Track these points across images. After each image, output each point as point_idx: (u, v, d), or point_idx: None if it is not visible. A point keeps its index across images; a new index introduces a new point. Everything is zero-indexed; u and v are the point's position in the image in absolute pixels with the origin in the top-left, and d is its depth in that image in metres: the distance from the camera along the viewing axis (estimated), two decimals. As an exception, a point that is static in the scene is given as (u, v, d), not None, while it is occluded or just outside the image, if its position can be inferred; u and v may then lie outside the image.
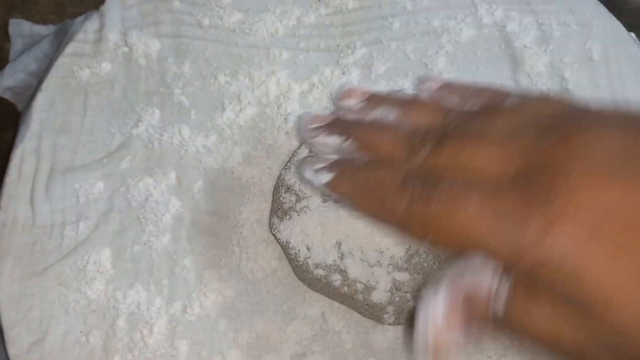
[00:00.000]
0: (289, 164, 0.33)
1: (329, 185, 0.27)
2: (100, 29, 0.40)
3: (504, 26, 0.40)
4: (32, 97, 0.39)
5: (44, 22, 0.51)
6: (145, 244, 0.34)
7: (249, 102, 0.38)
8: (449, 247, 0.24)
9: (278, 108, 0.38)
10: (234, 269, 0.34)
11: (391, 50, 0.39)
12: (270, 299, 0.33)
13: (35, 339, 0.32)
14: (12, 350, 0.32)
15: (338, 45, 0.40)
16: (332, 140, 0.29)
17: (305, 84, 0.38)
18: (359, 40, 0.40)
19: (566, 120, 0.23)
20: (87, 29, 0.40)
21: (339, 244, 0.31)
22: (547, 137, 0.22)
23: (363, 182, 0.26)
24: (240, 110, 0.37)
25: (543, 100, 0.26)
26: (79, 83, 0.39)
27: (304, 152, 0.33)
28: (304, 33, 0.40)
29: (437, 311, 0.22)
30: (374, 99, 0.30)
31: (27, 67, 0.45)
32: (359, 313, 0.33)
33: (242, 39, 0.40)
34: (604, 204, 0.20)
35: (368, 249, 0.31)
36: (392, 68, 0.39)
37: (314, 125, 0.29)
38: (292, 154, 0.34)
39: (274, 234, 0.33)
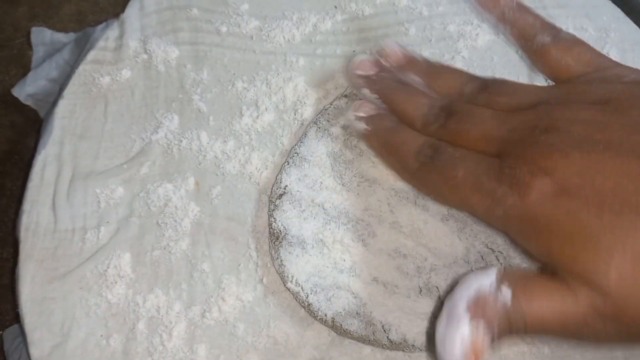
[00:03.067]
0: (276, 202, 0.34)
1: (364, 135, 0.34)
2: (121, 36, 0.41)
3: (520, 31, 0.40)
4: (54, 103, 0.40)
5: (65, 30, 0.52)
6: (164, 248, 0.35)
7: (266, 108, 0.38)
8: (445, 203, 0.32)
9: (295, 114, 0.38)
10: (252, 274, 0.34)
11: (407, 56, 0.40)
12: (288, 304, 0.33)
13: (56, 342, 0.33)
14: (34, 352, 0.33)
15: (354, 51, 0.40)
16: (370, 95, 0.34)
17: (322, 91, 0.39)
18: (376, 46, 0.40)
19: (544, 103, 0.28)
20: (107, 36, 0.41)
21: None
22: (526, 116, 0.28)
23: (389, 142, 0.32)
24: (258, 117, 0.38)
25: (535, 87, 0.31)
26: (100, 90, 0.40)
27: (289, 179, 0.34)
28: (321, 39, 0.41)
29: (460, 324, 0.24)
30: (410, 62, 0.34)
31: (48, 74, 0.46)
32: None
33: (260, 45, 0.40)
34: (557, 176, 0.25)
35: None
36: (408, 74, 0.39)
37: (359, 72, 0.34)
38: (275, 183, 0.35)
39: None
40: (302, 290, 0.32)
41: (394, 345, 0.31)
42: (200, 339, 0.33)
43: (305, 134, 0.36)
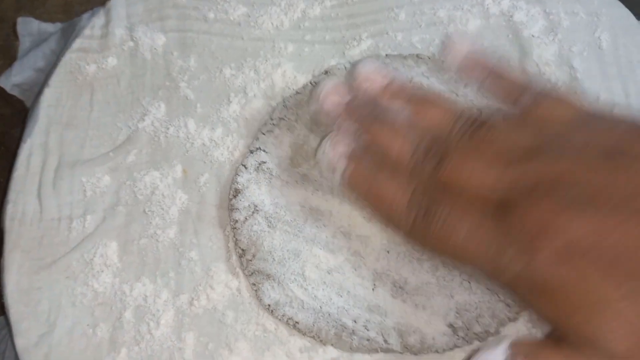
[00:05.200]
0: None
1: (345, 180, 0.30)
2: (107, 24, 0.40)
3: (511, 16, 0.40)
4: (40, 92, 0.39)
5: (52, 21, 0.51)
6: (151, 236, 0.34)
7: (254, 95, 0.38)
8: (446, 260, 0.29)
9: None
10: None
11: (397, 41, 0.39)
12: (277, 291, 0.33)
13: (43, 332, 0.32)
14: (20, 343, 0.32)
15: (343, 37, 0.40)
16: (348, 126, 0.30)
17: (311, 77, 0.38)
18: (365, 31, 0.40)
19: (544, 153, 0.26)
20: (93, 24, 0.41)
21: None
22: (529, 166, 0.25)
23: (374, 193, 0.29)
24: (246, 103, 0.37)
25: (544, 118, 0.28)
26: (86, 78, 0.39)
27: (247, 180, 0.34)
28: (309, 25, 0.40)
29: None
30: (391, 89, 0.31)
31: (34, 64, 0.46)
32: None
33: (248, 32, 0.40)
34: (565, 238, 0.23)
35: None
36: (398, 59, 0.39)
37: (332, 101, 0.30)
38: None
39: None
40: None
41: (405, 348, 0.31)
42: (188, 327, 0.32)
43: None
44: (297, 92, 0.36)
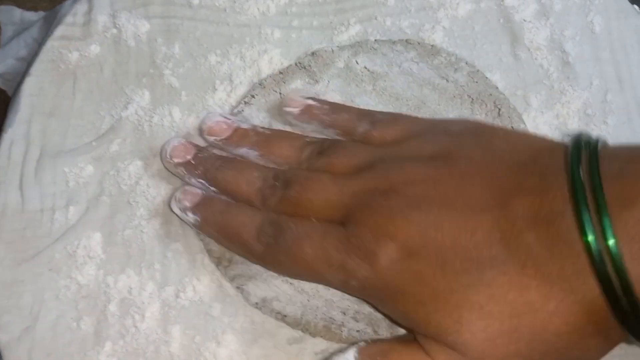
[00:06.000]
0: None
1: (197, 227, 0.32)
2: (89, 11, 0.39)
3: (502, 0, 0.39)
4: (21, 81, 0.38)
5: (35, 9, 0.50)
6: (136, 227, 0.34)
7: (240, 82, 0.37)
8: (301, 279, 0.30)
9: (271, 88, 0.37)
10: (227, 252, 0.33)
11: (386, 26, 0.38)
12: (265, 282, 0.33)
13: (25, 326, 0.32)
14: (3, 337, 0.32)
15: (331, 22, 0.39)
16: (195, 182, 0.32)
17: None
18: (353, 17, 0.39)
19: (377, 167, 0.28)
20: (76, 11, 0.40)
21: None
22: (365, 179, 0.28)
23: (225, 228, 0.30)
24: (232, 91, 0.37)
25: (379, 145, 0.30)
26: (68, 66, 0.38)
27: None
28: (297, 11, 0.39)
29: None
30: (237, 135, 0.33)
31: (17, 52, 0.45)
32: None
33: (233, 18, 0.39)
34: (399, 241, 0.25)
35: None
36: (387, 45, 0.38)
37: (176, 160, 0.32)
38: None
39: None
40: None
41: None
42: (174, 320, 0.32)
43: None
44: (280, 72, 0.36)
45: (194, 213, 0.31)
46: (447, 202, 0.25)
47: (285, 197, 0.29)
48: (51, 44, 0.39)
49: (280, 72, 0.36)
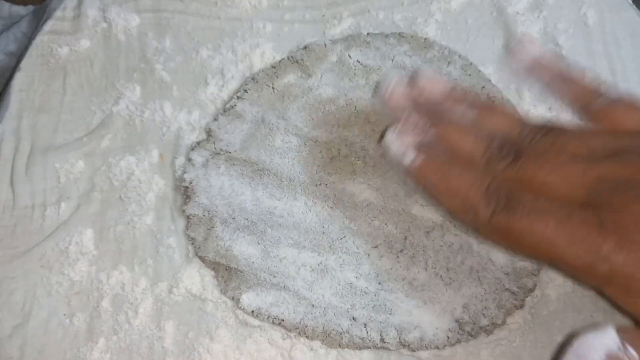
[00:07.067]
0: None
1: (414, 170, 0.29)
2: (79, 5, 0.39)
3: (495, -8, 0.39)
4: (11, 76, 0.38)
5: (24, 4, 0.50)
6: (128, 223, 0.33)
7: (232, 77, 0.37)
8: (523, 255, 0.29)
9: (263, 82, 0.36)
10: (220, 247, 0.33)
11: (379, 20, 0.38)
12: (258, 277, 0.32)
13: (17, 323, 0.31)
14: (-6, 334, 0.31)
15: (324, 15, 0.39)
16: (415, 118, 0.30)
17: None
18: (346, 10, 0.39)
19: (625, 155, 0.26)
20: (65, 6, 0.39)
21: None
22: (614, 165, 0.26)
23: (449, 181, 0.28)
24: (224, 85, 0.36)
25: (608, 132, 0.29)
26: (58, 61, 0.38)
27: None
28: (289, 4, 0.39)
29: None
30: (454, 95, 0.31)
31: (6, 47, 0.44)
32: None
33: (225, 11, 0.39)
34: None
35: None
36: (380, 38, 0.38)
37: (401, 91, 0.31)
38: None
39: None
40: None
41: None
42: (167, 316, 0.32)
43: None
44: (272, 66, 0.35)
45: (416, 151, 0.29)
46: None
47: (514, 167, 0.28)
48: (41, 38, 0.38)
49: (273, 66, 0.35)
